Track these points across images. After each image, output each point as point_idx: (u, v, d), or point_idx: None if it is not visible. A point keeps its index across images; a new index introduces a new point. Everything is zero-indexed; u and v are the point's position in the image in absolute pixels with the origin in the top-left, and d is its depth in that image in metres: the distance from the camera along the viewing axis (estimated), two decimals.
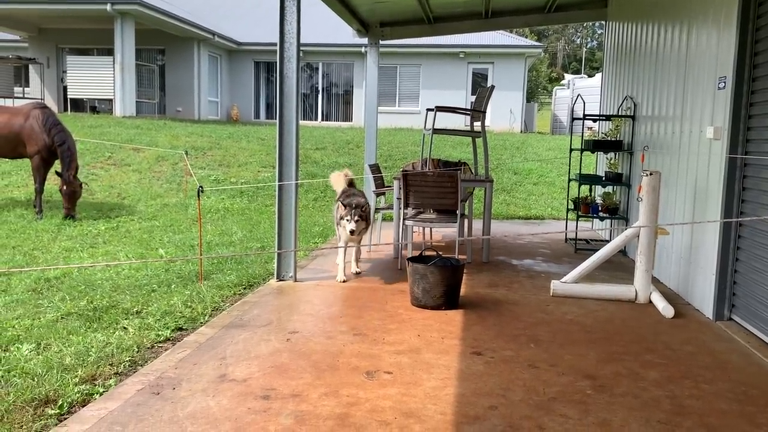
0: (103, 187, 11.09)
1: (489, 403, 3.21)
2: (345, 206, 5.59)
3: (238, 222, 9.02)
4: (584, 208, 7.53)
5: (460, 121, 13.32)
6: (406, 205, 6.39)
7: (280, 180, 5.58)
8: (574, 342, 4.22)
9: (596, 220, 8.25)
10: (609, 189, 7.91)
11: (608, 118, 7.87)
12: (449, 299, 4.96)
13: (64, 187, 8.52)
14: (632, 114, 7.25)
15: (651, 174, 5.04)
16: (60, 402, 3.12)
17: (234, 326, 4.36)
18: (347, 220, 5.55)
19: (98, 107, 19.90)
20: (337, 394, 3.25)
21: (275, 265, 5.73)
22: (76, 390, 3.25)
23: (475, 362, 3.79)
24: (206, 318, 4.56)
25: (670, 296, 5.37)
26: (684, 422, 3.05)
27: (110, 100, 18.97)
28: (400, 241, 6.62)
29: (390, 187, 7.96)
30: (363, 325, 4.46)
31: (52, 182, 9.99)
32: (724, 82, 4.70)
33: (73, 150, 8.72)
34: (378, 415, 3.03)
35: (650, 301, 5.19)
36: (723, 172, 4.67)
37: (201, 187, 5.73)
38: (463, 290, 5.37)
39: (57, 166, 8.76)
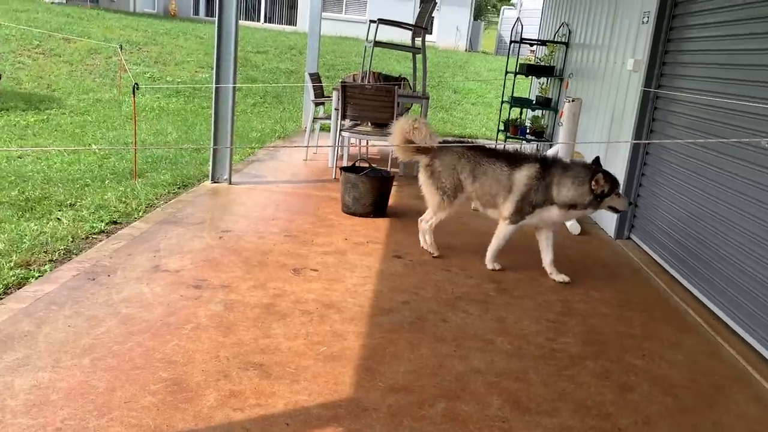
0: (32, 77, 10.65)
1: (402, 299, 3.56)
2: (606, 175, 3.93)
3: (174, 122, 8.95)
4: (513, 129, 7.87)
5: (408, 36, 13.25)
6: (344, 117, 6.54)
7: (217, 83, 5.61)
8: (485, 251, 4.60)
9: (524, 143, 8.63)
10: (538, 113, 8.25)
11: (543, 43, 8.10)
12: (378, 208, 5.25)
13: None
14: (566, 41, 7.49)
15: (573, 100, 5.35)
16: None
17: (168, 222, 4.52)
18: (617, 194, 3.99)
19: None
20: (264, 287, 3.53)
21: (210, 167, 5.84)
22: (11, 273, 3.40)
23: (395, 264, 4.13)
24: (141, 213, 4.70)
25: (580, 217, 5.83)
26: (569, 321, 3.50)
27: None
28: (336, 151, 6.80)
29: (329, 97, 8.04)
30: (294, 227, 4.71)
31: None
32: (648, 17, 4.97)
33: None
34: (301, 305, 3.33)
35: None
36: (637, 103, 5.03)
37: (136, 84, 5.69)
38: (392, 201, 5.66)
39: None
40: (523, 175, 4.05)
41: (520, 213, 4.09)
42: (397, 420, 2.38)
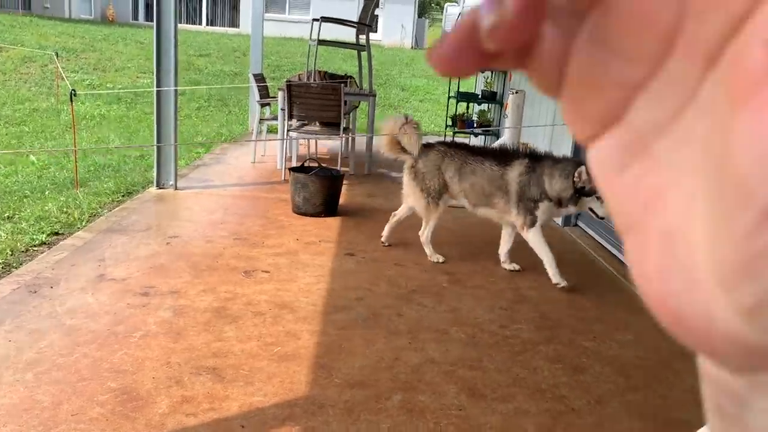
0: None
1: (356, 295, 3.55)
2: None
3: (116, 130, 8.72)
4: (461, 124, 7.95)
5: (352, 33, 13.25)
6: (291, 117, 6.48)
7: (158, 86, 5.49)
8: (439, 244, 4.63)
9: (472, 137, 8.72)
10: (484, 106, 8.36)
11: None
12: (328, 207, 5.22)
13: None
14: None
15: (516, 92, 5.44)
16: None
17: (112, 231, 4.40)
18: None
19: None
20: (215, 291, 3.47)
21: (155, 173, 5.71)
22: None
23: (348, 262, 4.12)
24: (83, 223, 4.55)
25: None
26: (522, 308, 3.55)
27: None
28: (284, 152, 6.74)
29: (275, 97, 7.96)
30: (243, 230, 4.64)
31: None
32: None
33: None
34: (253, 307, 3.29)
35: None
36: None
37: (74, 90, 5.52)
38: (343, 199, 5.64)
39: None
40: (515, 173, 3.94)
41: (529, 212, 3.92)
42: (354, 415, 2.37)
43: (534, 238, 3.93)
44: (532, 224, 3.91)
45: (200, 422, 2.26)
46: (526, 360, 2.93)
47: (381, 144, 4.41)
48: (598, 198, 3.70)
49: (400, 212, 4.45)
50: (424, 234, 4.31)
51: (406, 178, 4.31)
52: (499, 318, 3.39)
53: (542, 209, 3.87)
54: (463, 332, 3.18)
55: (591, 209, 3.83)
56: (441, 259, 4.23)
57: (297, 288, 3.60)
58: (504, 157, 4.03)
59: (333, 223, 5.03)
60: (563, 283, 3.79)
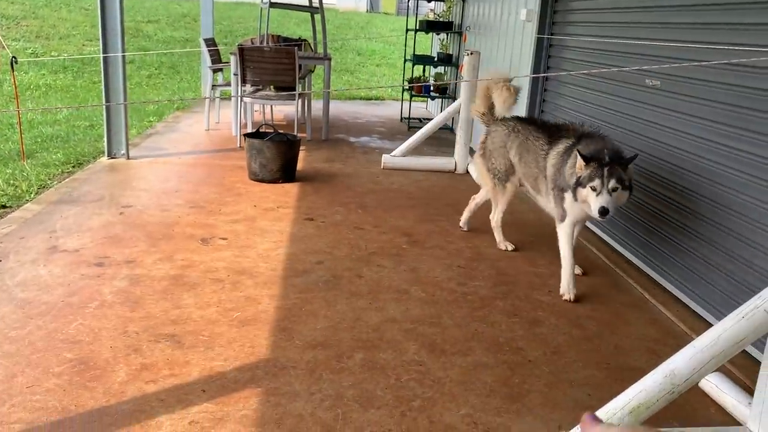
0: None
1: (316, 259, 3.55)
2: (588, 159, 3.01)
3: (63, 100, 8.42)
4: (417, 88, 7.92)
5: None
6: (244, 82, 6.35)
7: (105, 53, 5.29)
8: (398, 207, 4.66)
9: (430, 101, 8.71)
10: (440, 69, 8.33)
11: None
12: (286, 173, 5.17)
13: None
14: None
15: (471, 53, 5.43)
16: None
17: (63, 202, 4.28)
18: (592, 189, 2.98)
19: None
20: (171, 259, 3.42)
21: (105, 143, 5.55)
22: None
23: (307, 227, 4.10)
24: (32, 195, 4.41)
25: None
26: (479, 266, 3.60)
27: None
28: (239, 118, 6.62)
29: (227, 63, 7.78)
30: (199, 198, 4.57)
31: None
32: None
33: None
34: (212, 274, 3.26)
35: (467, 171, 5.77)
36: (532, 50, 5.17)
37: (14, 57, 5.29)
38: (300, 165, 5.58)
39: None
40: (554, 153, 3.34)
41: (559, 203, 3.31)
42: (316, 374, 2.39)
43: (560, 234, 3.34)
44: (562, 219, 3.31)
45: (161, 388, 2.24)
46: (484, 315, 2.99)
47: (473, 97, 3.94)
48: (594, 189, 2.94)
49: (479, 196, 4.10)
50: (494, 218, 3.95)
51: (476, 156, 3.95)
52: (457, 276, 3.44)
53: (568, 202, 3.22)
54: (423, 291, 3.22)
55: (585, 202, 3.05)
56: (510, 247, 3.87)
57: (256, 254, 3.57)
58: (556, 133, 3.43)
59: (291, 189, 4.99)
60: (569, 296, 3.22)
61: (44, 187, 4.67)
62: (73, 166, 5.30)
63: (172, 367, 2.38)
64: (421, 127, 6.18)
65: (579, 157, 3.00)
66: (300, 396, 2.25)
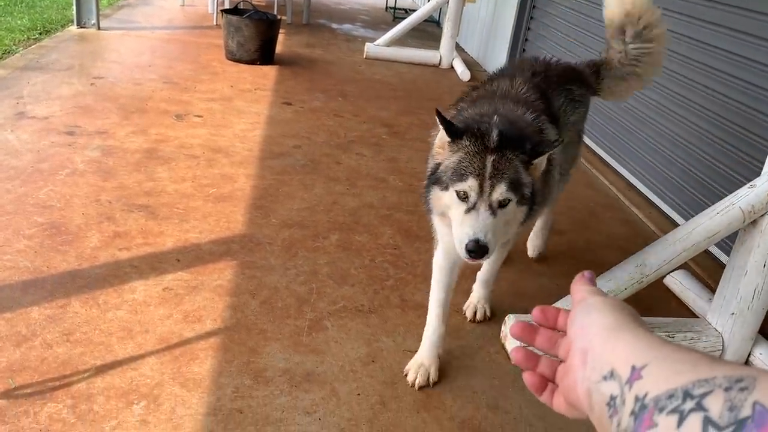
0: None
1: (294, 143, 3.49)
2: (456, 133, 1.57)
3: None
4: None
5: None
6: None
7: None
8: (379, 98, 4.56)
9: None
10: None
11: None
12: (264, 54, 4.98)
13: None
14: None
15: None
16: None
17: (30, 69, 4.08)
18: (459, 197, 1.52)
19: None
20: (145, 133, 3.32)
21: (74, 11, 5.24)
22: None
23: (285, 110, 4.00)
24: None
25: (470, 63, 5.85)
26: None
27: None
28: None
29: None
30: (174, 74, 4.40)
31: None
32: None
33: None
34: (186, 150, 3.18)
35: (452, 67, 5.63)
36: None
37: None
38: (280, 49, 5.38)
39: None
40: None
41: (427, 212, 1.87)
42: (292, 251, 2.40)
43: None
44: (436, 243, 1.71)
45: (134, 255, 2.23)
46: None
47: None
48: (461, 198, 1.51)
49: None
50: None
51: None
52: None
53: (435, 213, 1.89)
54: (401, 180, 3.20)
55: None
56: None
57: (232, 133, 3.49)
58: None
59: (269, 71, 4.83)
60: (413, 376, 1.85)
61: (9, 52, 4.44)
62: (40, 33, 5.03)
63: (146, 236, 2.36)
64: (406, 18, 5.96)
65: (440, 123, 1.55)
66: (275, 270, 2.26)
